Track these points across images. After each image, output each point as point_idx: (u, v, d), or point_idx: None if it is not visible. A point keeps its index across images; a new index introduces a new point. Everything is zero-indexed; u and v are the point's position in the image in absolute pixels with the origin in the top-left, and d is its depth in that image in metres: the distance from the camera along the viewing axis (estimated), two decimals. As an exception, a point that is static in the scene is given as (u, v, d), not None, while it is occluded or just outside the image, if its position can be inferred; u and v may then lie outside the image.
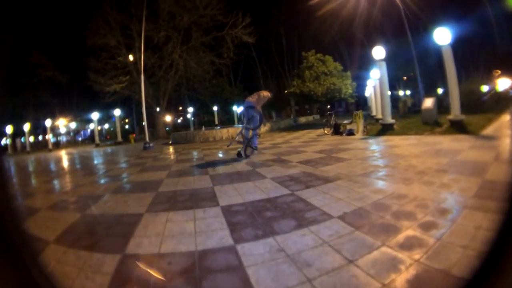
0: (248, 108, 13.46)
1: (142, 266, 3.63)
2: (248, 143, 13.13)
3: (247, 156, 12.84)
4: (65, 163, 21.04)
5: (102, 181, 10.88)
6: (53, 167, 19.17)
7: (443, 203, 5.01)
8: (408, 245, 3.63)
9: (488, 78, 38.34)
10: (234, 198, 6.28)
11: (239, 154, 12.92)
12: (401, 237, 3.86)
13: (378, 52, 19.48)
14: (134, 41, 41.23)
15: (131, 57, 41.37)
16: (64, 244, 4.48)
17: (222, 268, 3.45)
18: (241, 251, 3.79)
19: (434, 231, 3.94)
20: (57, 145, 55.87)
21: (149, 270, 3.52)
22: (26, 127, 43.25)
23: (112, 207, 6.64)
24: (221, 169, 10.56)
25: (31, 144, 50.88)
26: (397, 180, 6.84)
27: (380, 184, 6.68)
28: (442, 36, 15.89)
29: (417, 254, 3.38)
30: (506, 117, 19.10)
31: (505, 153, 9.11)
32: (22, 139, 53.31)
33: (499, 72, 37.90)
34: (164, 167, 12.49)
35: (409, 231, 4.01)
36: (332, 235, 4.07)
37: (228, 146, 15.86)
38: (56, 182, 11.91)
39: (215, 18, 43.86)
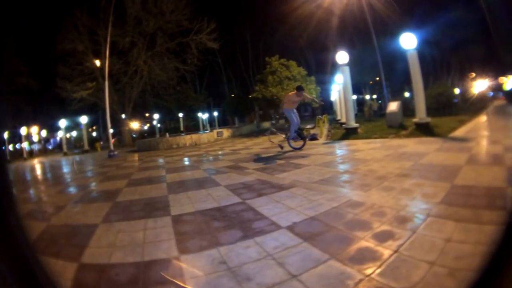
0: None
1: (93, 276, 3.72)
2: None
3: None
4: (37, 173, 20.92)
5: (66, 191, 10.94)
6: (25, 177, 19.00)
7: (402, 210, 4.75)
8: (359, 258, 3.40)
9: (461, 80, 38.77)
10: (186, 207, 6.26)
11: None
12: (352, 249, 3.64)
13: (342, 57, 19.47)
14: (100, 46, 40.42)
15: (97, 63, 40.70)
16: (37, 250, 4.28)
17: (164, 280, 3.42)
18: (184, 262, 3.76)
19: (390, 242, 3.68)
20: (31, 154, 54.83)
21: (99, 281, 3.58)
22: (5, 135, 42.34)
23: (72, 218, 6.75)
24: (178, 177, 10.61)
25: (10, 153, 50.14)
26: (355, 187, 6.65)
27: (336, 191, 6.42)
28: (408, 41, 16.00)
29: (368, 269, 3.13)
30: (481, 119, 19.15)
31: (477, 155, 8.86)
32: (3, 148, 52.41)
33: (474, 74, 38.44)
34: (125, 176, 12.46)
35: (362, 242, 3.79)
36: (277, 247, 3.92)
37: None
38: (25, 192, 11.81)
39: (181, 24, 43.64)
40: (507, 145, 9.48)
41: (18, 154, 51.48)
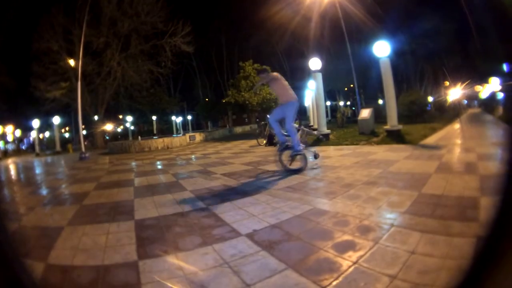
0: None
1: (58, 276, 3.75)
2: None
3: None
4: (8, 174, 20.58)
5: (36, 193, 10.79)
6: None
7: (366, 220, 4.67)
8: (316, 269, 3.31)
9: (435, 89, 39.23)
10: (150, 211, 6.26)
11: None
12: (310, 259, 3.56)
13: (314, 63, 19.68)
14: (75, 46, 40.12)
15: (71, 62, 40.20)
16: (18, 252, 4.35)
17: (121, 284, 3.42)
18: (142, 267, 3.74)
19: (351, 253, 3.60)
20: (5, 154, 54.13)
21: (63, 281, 3.63)
22: None
23: (40, 220, 6.81)
24: (146, 180, 10.65)
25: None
26: (320, 194, 6.59)
27: (301, 198, 6.33)
28: (381, 49, 16.22)
29: (325, 280, 3.05)
30: (455, 126, 19.31)
31: (448, 163, 8.85)
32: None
33: (448, 83, 38.93)
34: (94, 178, 12.46)
35: (321, 252, 3.72)
36: (235, 254, 3.88)
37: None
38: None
39: (156, 26, 43.78)
40: (480, 154, 9.56)
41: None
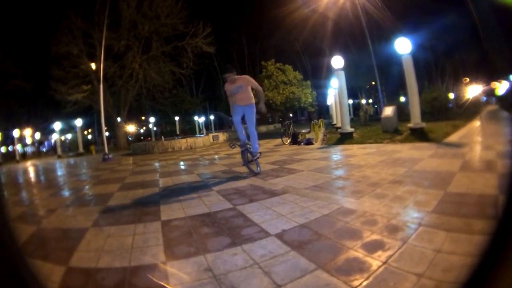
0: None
1: (80, 279, 3.68)
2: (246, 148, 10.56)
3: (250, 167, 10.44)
4: (29, 176, 20.74)
5: (58, 195, 10.70)
6: (18, 179, 18.94)
7: (394, 219, 4.62)
8: (346, 269, 3.27)
9: (456, 85, 38.86)
10: (176, 212, 6.16)
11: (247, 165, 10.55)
12: (340, 259, 3.51)
13: (337, 61, 19.32)
14: (95, 49, 40.11)
15: (93, 66, 40.41)
16: (24, 253, 4.21)
17: (148, 286, 3.38)
18: (170, 269, 3.69)
19: (380, 252, 3.55)
20: (24, 156, 54.64)
21: (86, 284, 3.57)
22: None
23: (63, 221, 6.66)
24: (171, 181, 10.50)
25: (2, 154, 50.13)
26: (347, 193, 6.49)
27: (329, 197, 6.26)
28: (403, 45, 15.99)
29: (356, 280, 3.01)
30: (475, 124, 19.11)
31: (471, 161, 8.81)
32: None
33: (468, 79, 38.53)
34: (118, 179, 12.36)
35: (351, 252, 3.66)
36: (264, 255, 3.83)
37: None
38: (19, 195, 11.74)
39: (176, 27, 43.59)
40: (499, 151, 9.42)
41: (10, 156, 51.39)
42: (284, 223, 4.93)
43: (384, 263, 3.28)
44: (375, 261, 3.34)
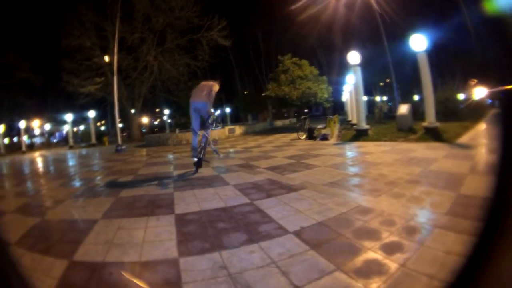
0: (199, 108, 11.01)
1: (84, 274, 3.56)
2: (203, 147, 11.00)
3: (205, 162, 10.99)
4: (36, 166, 20.59)
5: (67, 185, 10.50)
6: (24, 169, 18.91)
7: (411, 220, 4.62)
8: (365, 271, 3.25)
9: (464, 86, 38.61)
10: (191, 205, 6.07)
11: (198, 162, 10.69)
12: (359, 260, 3.49)
13: (354, 57, 19.12)
14: (108, 42, 40.48)
15: (106, 58, 40.47)
16: (23, 246, 4.50)
17: (160, 283, 3.30)
18: (183, 265, 3.60)
19: (398, 255, 3.55)
20: (31, 147, 54.92)
21: (89, 280, 3.45)
22: (0, 128, 42.70)
23: (70, 213, 6.49)
24: (186, 174, 10.34)
25: (6, 145, 50.22)
26: (365, 192, 6.48)
27: (346, 195, 6.25)
28: (418, 42, 15.74)
29: (374, 283, 3.02)
30: (482, 126, 19.02)
31: (481, 164, 8.81)
32: (-3, 140, 52.70)
33: (475, 81, 38.36)
34: (131, 171, 12.20)
35: (369, 253, 3.65)
36: (282, 253, 3.76)
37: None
38: (24, 185, 11.64)
39: (191, 21, 43.42)
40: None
41: (15, 147, 51.61)
42: (302, 220, 4.88)
43: (402, 265, 3.29)
44: (393, 264, 3.35)
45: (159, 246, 4.17)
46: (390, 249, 3.69)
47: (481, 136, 15.19)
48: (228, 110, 66.49)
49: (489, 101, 35.27)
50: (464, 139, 14.06)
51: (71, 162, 20.73)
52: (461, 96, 33.36)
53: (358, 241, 3.97)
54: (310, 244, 3.94)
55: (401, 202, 5.47)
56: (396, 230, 4.24)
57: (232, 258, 3.69)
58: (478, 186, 5.89)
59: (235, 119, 71.64)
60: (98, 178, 11.47)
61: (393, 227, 4.35)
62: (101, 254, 4.01)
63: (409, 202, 5.45)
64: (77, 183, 10.76)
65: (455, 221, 4.36)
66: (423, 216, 4.80)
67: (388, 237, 4.03)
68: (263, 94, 50.07)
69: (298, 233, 4.34)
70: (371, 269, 3.26)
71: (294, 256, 3.67)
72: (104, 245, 4.31)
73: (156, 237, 4.49)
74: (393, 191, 6.18)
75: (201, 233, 4.55)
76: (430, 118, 15.58)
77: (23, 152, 39.79)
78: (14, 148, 51.98)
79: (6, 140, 53.88)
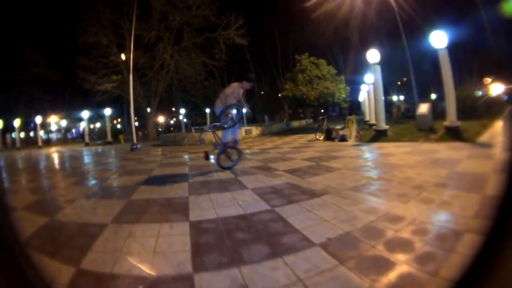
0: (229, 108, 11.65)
1: (91, 285, 3.37)
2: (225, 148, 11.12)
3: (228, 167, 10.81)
4: (51, 162, 20.70)
5: (80, 184, 10.44)
6: (38, 165, 18.94)
7: (445, 228, 4.38)
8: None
9: (481, 83, 38.36)
10: (207, 212, 5.74)
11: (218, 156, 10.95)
12: (393, 275, 3.20)
13: (373, 55, 19.00)
14: (125, 40, 40.77)
15: (123, 56, 40.93)
16: (30, 247, 4.13)
17: None
18: (198, 282, 3.26)
19: (433, 266, 3.28)
20: (48, 142, 55.73)
21: None
22: (17, 123, 43.24)
23: (79, 214, 6.25)
24: (202, 176, 9.98)
25: (22, 140, 50.77)
26: (392, 197, 6.11)
27: (373, 201, 5.95)
28: (439, 39, 15.52)
29: None
30: (499, 123, 18.78)
31: (502, 163, 8.61)
32: (13, 135, 53.11)
33: (492, 78, 38.11)
34: (145, 171, 11.97)
35: (404, 266, 3.34)
36: (310, 270, 3.40)
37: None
38: (37, 181, 11.67)
39: (208, 19, 43.48)
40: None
41: (32, 141, 52.55)
42: (329, 230, 4.52)
43: (439, 277, 3.02)
44: (432, 278, 3.06)
45: (172, 258, 3.88)
46: (426, 262, 3.40)
47: (499, 134, 14.97)
48: (244, 110, 66.59)
49: (506, 97, 35.08)
50: (484, 138, 13.96)
51: (86, 160, 20.81)
52: (478, 93, 33.14)
53: (391, 253, 3.67)
54: (339, 259, 3.60)
55: (432, 208, 5.20)
56: (429, 239, 3.98)
57: (253, 276, 3.36)
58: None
59: (252, 119, 71.80)
60: (112, 177, 11.38)
61: (426, 236, 4.09)
62: (108, 264, 3.76)
63: (440, 207, 5.21)
64: (90, 182, 10.70)
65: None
66: (456, 222, 4.55)
67: (422, 248, 3.75)
68: (280, 94, 50.00)
69: (325, 246, 3.99)
70: (407, 285, 3.04)
71: (323, 272, 3.35)
72: (112, 253, 4.06)
73: (169, 248, 4.21)
74: (421, 196, 5.88)
75: (218, 245, 4.23)
76: (452, 117, 15.39)
77: (39, 147, 40.32)
78: (30, 142, 52.67)
79: (22, 134, 54.53)
